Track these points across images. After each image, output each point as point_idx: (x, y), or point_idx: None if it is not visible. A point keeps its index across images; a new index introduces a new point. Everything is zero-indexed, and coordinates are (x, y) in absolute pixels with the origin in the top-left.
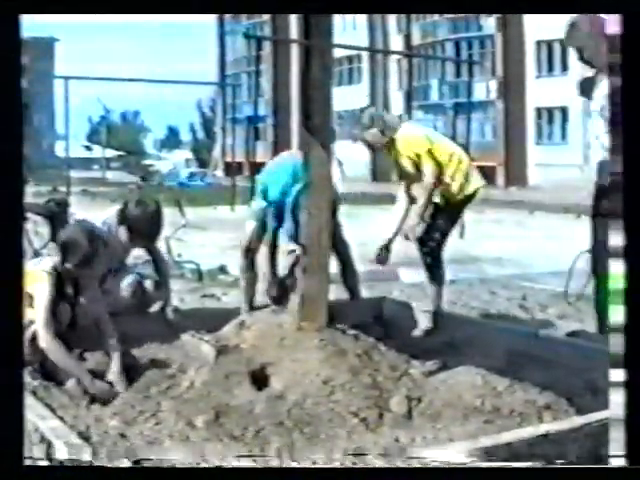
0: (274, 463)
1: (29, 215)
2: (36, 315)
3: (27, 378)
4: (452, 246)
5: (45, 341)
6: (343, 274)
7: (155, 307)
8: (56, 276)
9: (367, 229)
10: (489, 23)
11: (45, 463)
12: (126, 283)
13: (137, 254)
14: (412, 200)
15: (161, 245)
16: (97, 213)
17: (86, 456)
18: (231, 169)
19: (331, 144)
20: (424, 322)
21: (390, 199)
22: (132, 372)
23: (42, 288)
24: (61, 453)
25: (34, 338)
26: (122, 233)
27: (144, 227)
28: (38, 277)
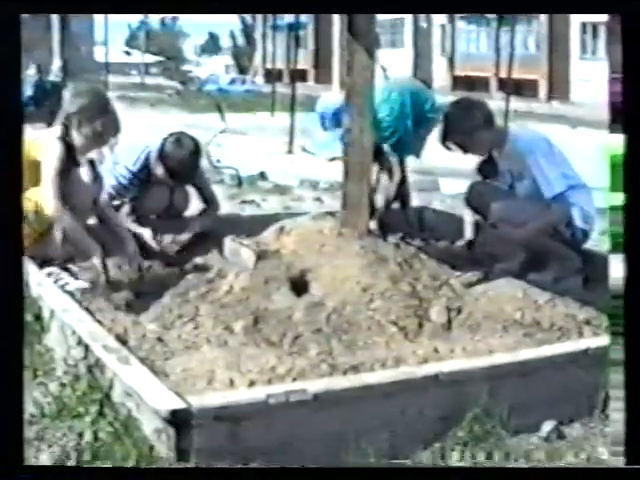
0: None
1: None
2: (42, 184)
3: (64, 280)
4: None
5: (54, 209)
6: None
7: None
8: (65, 145)
9: None
10: None
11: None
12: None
13: None
14: None
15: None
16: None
17: (123, 357)
18: (271, 76)
19: (375, 49)
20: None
21: None
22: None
23: (49, 156)
24: (99, 354)
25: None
26: (159, 169)
27: (180, 168)
28: (45, 146)
